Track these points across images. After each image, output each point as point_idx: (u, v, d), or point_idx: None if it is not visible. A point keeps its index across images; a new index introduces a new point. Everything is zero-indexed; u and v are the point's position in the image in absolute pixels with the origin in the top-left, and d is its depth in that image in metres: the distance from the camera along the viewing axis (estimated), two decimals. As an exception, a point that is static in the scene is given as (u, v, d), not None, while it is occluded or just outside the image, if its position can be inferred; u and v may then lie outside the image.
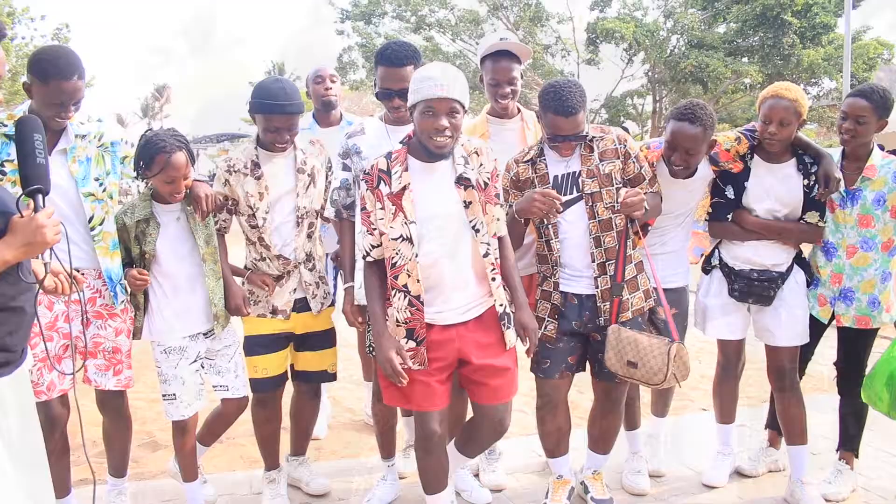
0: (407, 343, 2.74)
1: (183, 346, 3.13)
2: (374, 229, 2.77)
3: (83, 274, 2.78)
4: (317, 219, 3.35)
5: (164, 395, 3.16)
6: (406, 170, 2.77)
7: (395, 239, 2.73)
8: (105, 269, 3.02)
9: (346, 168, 3.29)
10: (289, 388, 3.46)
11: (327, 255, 3.70)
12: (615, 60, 21.68)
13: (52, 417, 2.91)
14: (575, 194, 3.10)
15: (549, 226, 3.11)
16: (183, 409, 3.14)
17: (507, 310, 2.87)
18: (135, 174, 3.11)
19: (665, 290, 3.36)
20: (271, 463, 3.43)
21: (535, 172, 3.14)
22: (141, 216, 3.06)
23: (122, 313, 3.09)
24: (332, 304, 3.48)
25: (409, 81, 2.80)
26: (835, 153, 3.48)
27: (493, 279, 2.82)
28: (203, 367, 3.23)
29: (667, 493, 3.56)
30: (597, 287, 3.10)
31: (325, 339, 3.41)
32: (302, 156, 3.28)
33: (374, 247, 2.78)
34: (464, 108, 2.71)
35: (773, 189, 3.36)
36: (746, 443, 3.95)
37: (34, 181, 2.02)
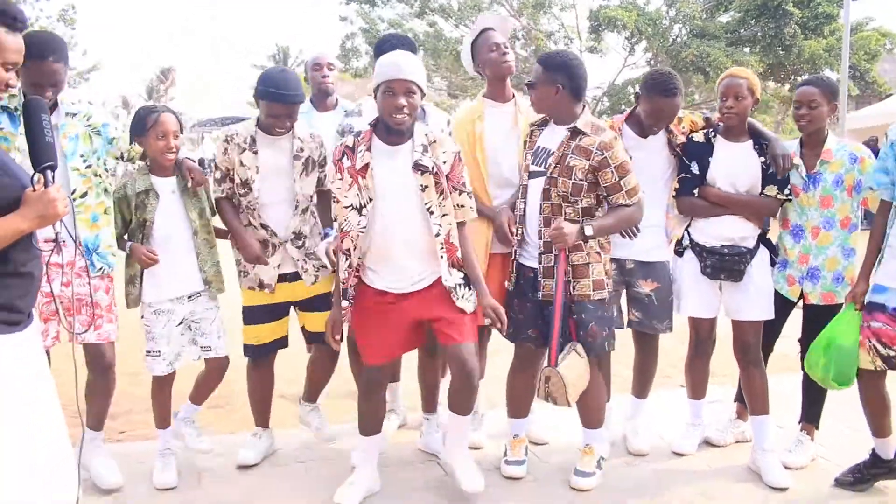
0: (343, 301, 3.19)
1: (171, 308, 3.45)
2: (334, 198, 3.15)
3: (63, 242, 2.92)
4: (311, 202, 3.63)
5: (148, 352, 3.48)
6: (369, 150, 3.08)
7: (346, 207, 3.09)
8: (84, 239, 3.25)
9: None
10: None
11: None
12: (618, 49, 21.76)
13: None
14: (542, 168, 3.35)
15: (521, 186, 3.44)
16: (164, 366, 3.49)
17: (451, 283, 3.16)
18: (123, 151, 3.42)
19: (646, 263, 3.66)
20: (260, 422, 3.78)
21: (531, 137, 3.48)
22: (142, 188, 3.39)
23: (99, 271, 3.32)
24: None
25: None
26: (793, 144, 3.71)
27: (441, 257, 3.13)
28: (190, 329, 3.53)
29: (638, 460, 3.80)
30: (539, 263, 3.35)
31: (320, 303, 3.65)
32: (299, 143, 3.54)
33: (335, 215, 3.18)
34: (421, 90, 3.03)
35: (735, 166, 3.60)
36: (719, 417, 4.17)
37: (46, 158, 2.19)
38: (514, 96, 3.80)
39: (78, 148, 3.25)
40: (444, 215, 3.15)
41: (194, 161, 3.64)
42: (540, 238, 3.35)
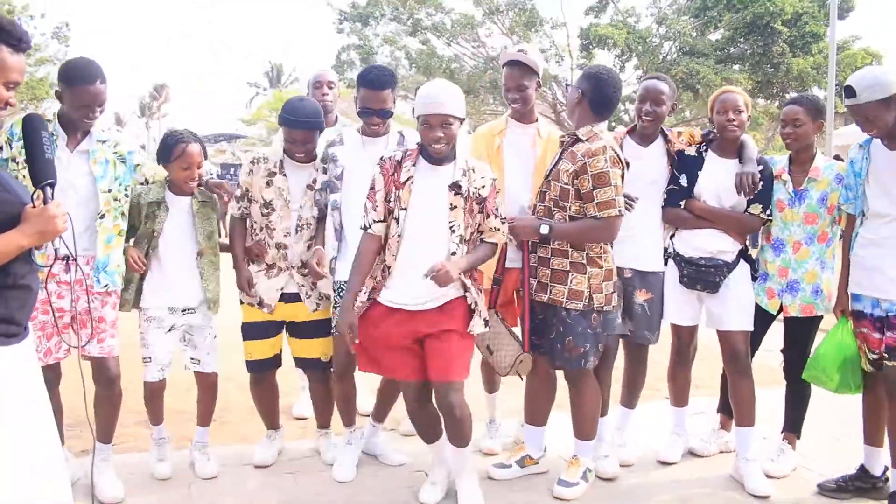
0: (365, 296, 3.30)
1: (162, 317, 3.58)
2: (377, 206, 3.26)
3: (73, 260, 3.04)
4: (310, 227, 3.74)
5: (143, 358, 3.61)
6: (414, 165, 3.25)
7: (390, 216, 3.24)
8: (98, 257, 3.37)
9: (324, 171, 3.71)
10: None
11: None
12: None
13: (44, 380, 3.20)
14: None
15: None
16: (156, 372, 3.62)
17: (478, 305, 3.29)
18: (148, 176, 3.59)
19: (643, 272, 3.75)
20: (271, 425, 3.95)
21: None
22: (154, 198, 3.55)
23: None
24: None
25: (387, 103, 3.50)
26: (783, 160, 3.82)
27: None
28: (184, 340, 3.66)
29: (624, 470, 3.86)
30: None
31: (318, 329, 3.76)
32: (314, 174, 3.71)
33: (375, 221, 3.27)
34: (459, 119, 3.18)
35: (722, 181, 3.69)
36: (703, 428, 4.23)
37: (46, 175, 2.23)
38: (537, 120, 3.92)
39: (108, 172, 3.39)
40: (464, 240, 3.25)
41: (217, 180, 3.81)
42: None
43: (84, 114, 3.22)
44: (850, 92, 3.13)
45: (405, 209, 3.23)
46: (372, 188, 3.30)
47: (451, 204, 3.24)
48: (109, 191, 3.40)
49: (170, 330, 3.62)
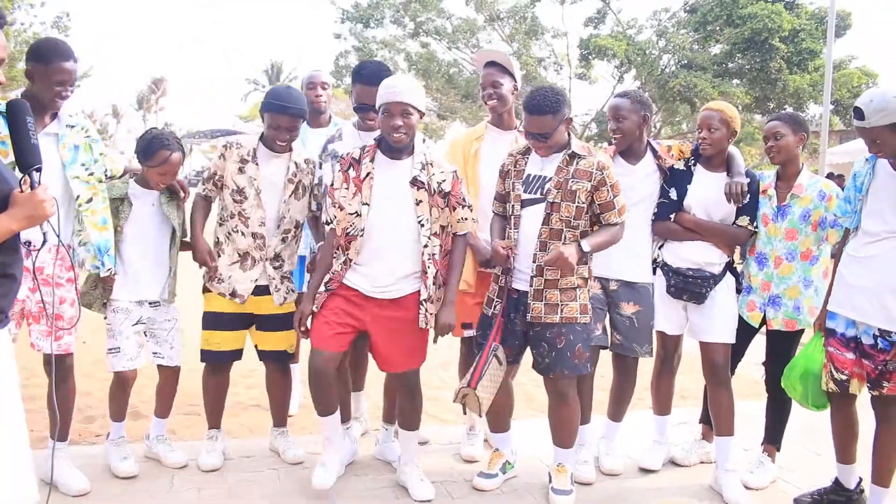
0: (322, 287, 3.40)
1: (129, 308, 3.60)
2: (336, 203, 3.31)
3: (33, 246, 2.99)
4: (296, 228, 3.76)
5: (109, 349, 3.60)
6: (372, 161, 3.33)
7: (351, 214, 3.31)
8: (95, 241, 3.37)
9: (320, 166, 3.76)
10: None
11: (301, 257, 4.03)
12: (607, 77, 22.08)
13: None
14: (539, 195, 3.43)
15: (513, 217, 3.48)
16: (125, 362, 3.60)
17: (430, 296, 3.37)
18: (108, 167, 3.55)
19: (630, 284, 3.77)
20: (212, 423, 3.88)
21: (515, 167, 3.51)
22: (117, 195, 3.55)
23: (66, 283, 3.35)
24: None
25: None
26: (771, 175, 3.86)
27: (427, 269, 3.34)
28: (146, 335, 3.67)
29: (604, 476, 3.88)
30: (530, 286, 3.43)
31: (284, 322, 3.76)
32: (294, 168, 3.70)
33: (334, 217, 3.36)
34: (418, 110, 3.26)
35: (710, 195, 3.74)
36: (685, 438, 4.27)
37: (33, 160, 2.22)
38: (516, 126, 3.96)
39: (78, 157, 3.35)
40: (434, 233, 3.36)
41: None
42: (534, 262, 3.41)
43: (58, 92, 3.17)
44: (858, 114, 3.12)
45: (367, 204, 3.30)
46: (331, 185, 3.39)
47: (416, 199, 3.32)
48: (91, 174, 3.37)
49: (136, 322, 3.63)
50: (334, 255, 3.43)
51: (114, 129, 67.16)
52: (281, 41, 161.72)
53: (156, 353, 3.72)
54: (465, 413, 3.57)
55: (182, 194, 3.71)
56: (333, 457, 3.54)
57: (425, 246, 3.34)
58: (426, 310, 3.39)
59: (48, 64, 3.14)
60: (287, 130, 3.59)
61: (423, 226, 3.33)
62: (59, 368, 3.38)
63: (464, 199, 3.44)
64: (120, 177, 3.64)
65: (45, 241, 2.36)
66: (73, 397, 3.50)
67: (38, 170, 2.22)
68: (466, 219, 3.45)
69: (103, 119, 68.31)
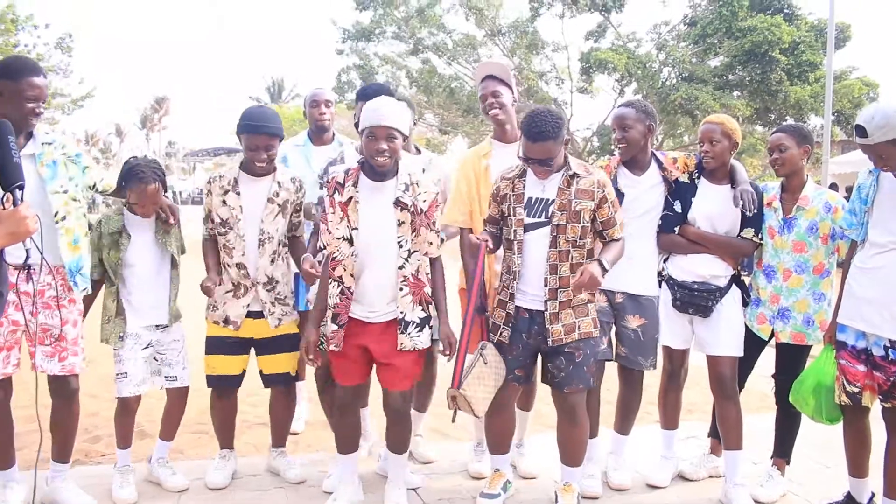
0: (329, 325, 3.36)
1: (138, 333, 3.59)
2: (328, 228, 3.35)
3: (34, 270, 2.98)
4: (280, 247, 3.75)
5: (117, 374, 3.59)
6: (355, 185, 3.32)
7: (338, 238, 3.30)
8: (67, 260, 3.32)
9: (321, 187, 3.71)
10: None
11: (296, 274, 4.01)
12: (608, 90, 22.12)
13: None
14: (543, 219, 3.39)
15: (516, 242, 3.42)
16: (132, 388, 3.61)
17: (408, 318, 3.36)
18: (96, 181, 3.56)
19: (636, 297, 3.75)
20: (223, 444, 3.90)
21: (513, 191, 3.46)
22: (115, 228, 3.57)
23: (69, 304, 3.36)
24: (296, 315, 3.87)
25: None
26: (776, 187, 3.85)
27: (402, 289, 3.34)
28: (156, 360, 3.68)
29: (612, 492, 3.85)
30: (546, 309, 3.39)
31: (284, 344, 3.78)
32: (276, 188, 3.69)
33: (327, 243, 3.37)
34: (402, 134, 3.26)
35: (715, 207, 3.74)
36: (693, 452, 4.24)
37: (15, 178, 2.23)
38: (519, 138, 3.93)
39: (58, 173, 3.33)
40: (413, 252, 3.36)
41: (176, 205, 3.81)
42: (546, 286, 3.38)
43: (31, 109, 3.12)
44: (861, 132, 3.13)
45: (356, 229, 3.30)
46: (323, 210, 3.39)
47: (399, 220, 3.32)
48: (66, 192, 3.34)
49: (146, 347, 3.63)
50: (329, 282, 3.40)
51: (117, 148, 67.39)
52: (283, 58, 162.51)
53: (168, 377, 3.72)
54: (453, 421, 3.52)
55: (172, 220, 3.68)
56: (346, 494, 3.53)
57: (401, 267, 3.33)
58: (408, 334, 3.37)
59: (18, 80, 3.08)
60: (264, 150, 3.56)
61: (401, 247, 3.33)
62: (65, 390, 3.39)
63: (434, 223, 3.42)
64: (111, 193, 3.63)
65: (27, 259, 2.38)
66: (76, 418, 3.48)
67: (21, 187, 2.23)
68: (432, 243, 3.43)
69: (107, 138, 68.62)
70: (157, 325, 3.66)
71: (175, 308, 3.72)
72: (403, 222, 3.32)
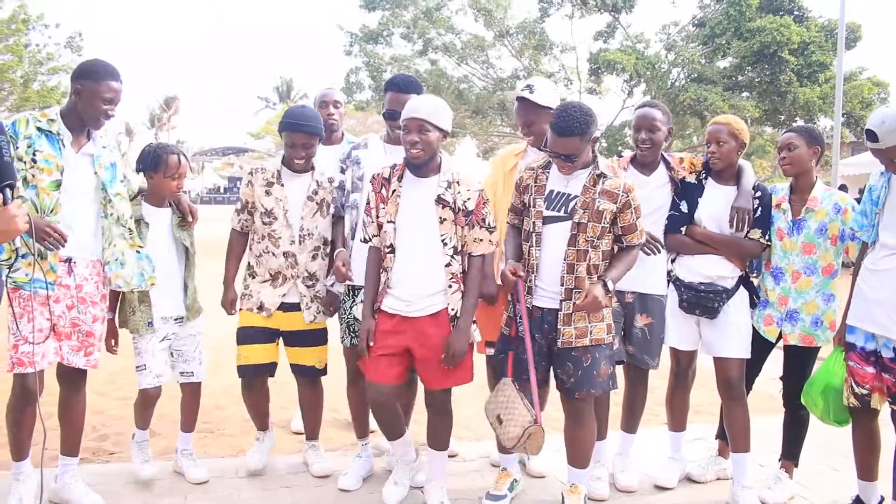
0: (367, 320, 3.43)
1: (156, 326, 3.64)
2: (373, 222, 3.45)
3: (74, 263, 3.25)
4: (323, 245, 3.81)
5: (137, 367, 3.65)
6: (399, 180, 3.40)
7: (380, 230, 3.38)
8: (129, 259, 3.41)
9: (342, 171, 3.86)
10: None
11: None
12: (616, 91, 22.11)
13: (29, 390, 3.19)
14: (563, 213, 3.36)
15: (535, 234, 3.40)
16: (151, 379, 3.66)
17: (459, 314, 3.37)
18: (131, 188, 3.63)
19: (645, 296, 3.76)
20: (261, 427, 3.97)
21: (536, 182, 3.45)
22: (134, 217, 3.56)
23: (100, 300, 3.42)
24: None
25: None
26: (784, 188, 3.83)
27: (450, 286, 3.37)
28: (172, 355, 3.73)
29: (620, 495, 3.84)
30: (560, 310, 3.36)
31: (312, 338, 3.83)
32: (315, 186, 3.78)
33: (374, 235, 3.45)
34: (437, 128, 3.30)
35: (721, 207, 3.73)
36: (701, 454, 4.23)
37: (6, 177, 2.27)
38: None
39: (118, 174, 3.44)
40: (458, 251, 3.38)
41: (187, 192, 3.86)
42: (562, 285, 3.35)
43: (105, 111, 3.25)
44: (871, 136, 3.11)
45: (392, 222, 3.37)
46: (367, 203, 3.47)
47: (441, 217, 3.36)
48: (119, 195, 3.41)
49: (163, 339, 3.69)
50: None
51: (126, 147, 67.68)
52: (290, 58, 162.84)
53: (183, 373, 3.78)
54: (528, 457, 3.60)
55: (191, 219, 3.78)
56: (402, 474, 3.66)
57: (448, 265, 3.37)
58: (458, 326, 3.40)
59: (98, 82, 3.22)
60: (302, 147, 3.69)
61: (445, 244, 3.36)
62: (75, 377, 3.42)
63: (484, 220, 3.41)
64: (133, 197, 3.67)
65: (17, 256, 2.41)
66: (84, 406, 3.51)
67: (11, 186, 2.27)
68: (482, 240, 3.42)
69: (117, 138, 68.92)
70: (174, 318, 3.71)
71: (196, 303, 3.78)
72: (445, 220, 3.36)
